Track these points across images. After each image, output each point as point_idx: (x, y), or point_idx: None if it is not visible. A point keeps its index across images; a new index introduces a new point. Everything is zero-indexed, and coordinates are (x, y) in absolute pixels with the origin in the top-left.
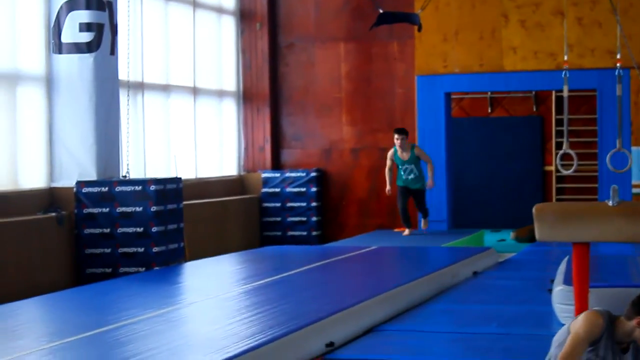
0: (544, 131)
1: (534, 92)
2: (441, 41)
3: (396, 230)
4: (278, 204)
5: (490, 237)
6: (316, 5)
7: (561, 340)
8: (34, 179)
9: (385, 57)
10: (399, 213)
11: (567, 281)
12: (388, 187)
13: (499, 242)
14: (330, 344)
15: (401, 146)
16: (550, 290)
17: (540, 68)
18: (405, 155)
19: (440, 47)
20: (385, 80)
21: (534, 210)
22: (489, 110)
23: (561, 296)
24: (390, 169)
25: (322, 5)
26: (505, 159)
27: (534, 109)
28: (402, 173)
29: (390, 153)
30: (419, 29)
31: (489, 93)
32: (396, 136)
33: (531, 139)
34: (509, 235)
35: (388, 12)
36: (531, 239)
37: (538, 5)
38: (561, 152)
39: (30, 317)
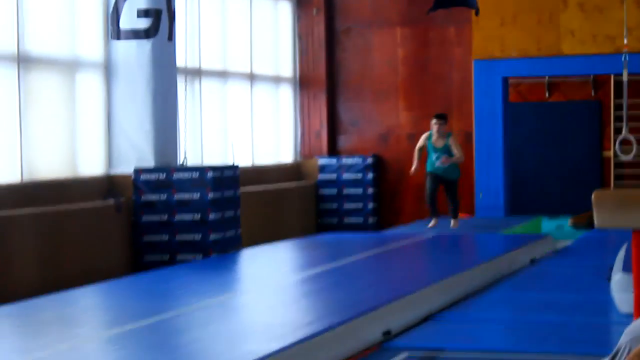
0: (602, 116)
1: (592, 77)
2: (499, 25)
3: None
4: (334, 191)
5: (547, 224)
6: None
7: (638, 334)
8: (92, 166)
9: (442, 42)
10: (425, 199)
11: (626, 269)
12: (414, 167)
13: (557, 229)
14: (387, 332)
15: (438, 131)
16: (609, 278)
17: (599, 52)
18: (439, 142)
19: (498, 31)
20: (442, 65)
21: (593, 196)
22: (547, 95)
23: (620, 284)
24: (420, 150)
25: None
26: (562, 144)
27: (592, 94)
28: (433, 160)
29: (424, 135)
30: (477, 13)
31: (547, 77)
32: (434, 120)
33: (589, 124)
34: (567, 222)
35: None
36: (589, 225)
37: None
38: (620, 137)
39: (89, 304)
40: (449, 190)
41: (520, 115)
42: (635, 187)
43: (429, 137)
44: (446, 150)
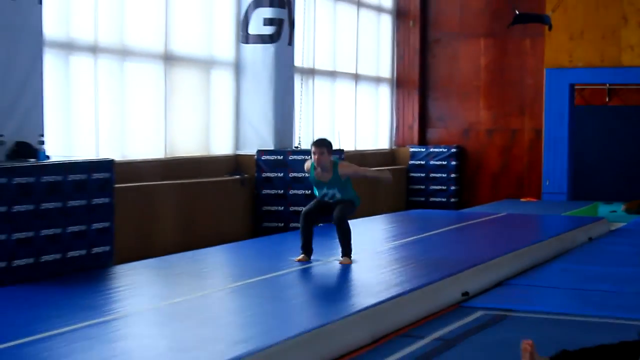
0: None
1: None
2: (568, 39)
3: (522, 200)
4: (422, 174)
5: (603, 209)
6: (461, 6)
7: None
8: (222, 147)
9: (519, 52)
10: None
11: None
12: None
13: (611, 213)
14: (466, 294)
15: (319, 164)
16: None
17: None
18: (325, 176)
19: (567, 44)
20: (517, 72)
21: None
22: (607, 100)
23: None
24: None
25: (466, 6)
26: (619, 142)
27: None
28: (319, 195)
29: (307, 165)
30: (550, 28)
31: (608, 85)
32: (313, 149)
33: None
34: (620, 207)
35: (523, 13)
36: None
37: None
38: None
39: (217, 261)
40: (339, 209)
41: (584, 116)
42: None
43: (312, 169)
44: (338, 184)
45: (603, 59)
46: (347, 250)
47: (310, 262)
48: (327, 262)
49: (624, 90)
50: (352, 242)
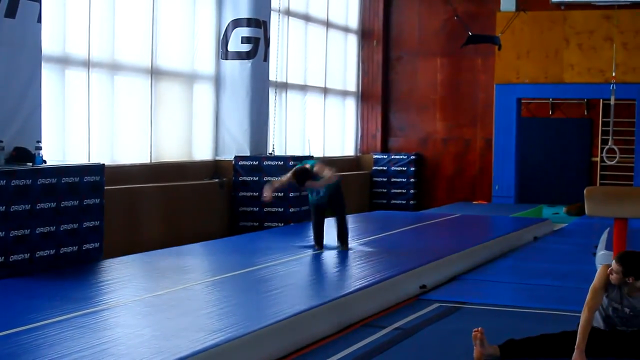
0: (592, 130)
1: (586, 100)
2: (515, 58)
3: (474, 202)
4: (384, 179)
5: (547, 211)
6: (420, 28)
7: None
8: (203, 153)
9: (471, 69)
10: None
11: (608, 247)
12: (267, 194)
13: (554, 214)
14: (423, 287)
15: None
16: (594, 254)
17: (592, 81)
18: (311, 184)
19: (515, 63)
20: (470, 87)
21: (585, 191)
22: (550, 113)
23: (603, 258)
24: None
25: (425, 28)
26: (561, 151)
27: (586, 113)
28: (310, 195)
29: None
30: (499, 48)
31: (551, 99)
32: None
33: (582, 136)
34: (562, 209)
35: (475, 35)
36: (579, 213)
37: (592, 32)
38: (607, 147)
39: (198, 257)
40: (336, 208)
41: (529, 127)
42: (614, 185)
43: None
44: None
45: (547, 76)
46: (344, 238)
47: (283, 258)
48: (298, 258)
49: (565, 105)
50: (326, 237)
